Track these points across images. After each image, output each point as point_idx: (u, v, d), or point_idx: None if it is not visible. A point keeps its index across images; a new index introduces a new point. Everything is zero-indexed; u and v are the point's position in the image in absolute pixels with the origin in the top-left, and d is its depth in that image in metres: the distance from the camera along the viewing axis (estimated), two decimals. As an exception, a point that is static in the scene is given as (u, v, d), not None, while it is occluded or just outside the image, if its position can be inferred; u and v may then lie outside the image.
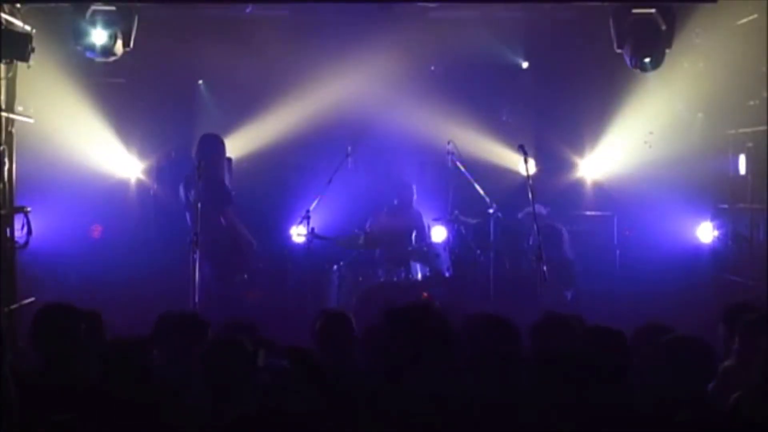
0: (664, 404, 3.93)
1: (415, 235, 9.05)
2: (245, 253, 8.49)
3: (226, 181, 8.53)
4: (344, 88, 9.69)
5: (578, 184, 10.28)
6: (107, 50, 8.07)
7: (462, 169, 8.91)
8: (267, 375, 4.17)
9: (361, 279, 8.69)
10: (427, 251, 8.79)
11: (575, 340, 4.52)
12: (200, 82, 10.23)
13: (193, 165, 8.11)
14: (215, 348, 4.08)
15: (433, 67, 10.27)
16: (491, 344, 4.38)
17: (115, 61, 8.31)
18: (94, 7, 8.00)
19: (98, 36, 8.01)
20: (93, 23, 7.98)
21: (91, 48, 8.05)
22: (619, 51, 8.43)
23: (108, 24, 7.99)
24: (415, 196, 9.49)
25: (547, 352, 4.32)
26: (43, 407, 3.94)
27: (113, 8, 8.03)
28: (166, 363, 4.52)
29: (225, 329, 4.94)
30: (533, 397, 3.80)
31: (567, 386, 3.74)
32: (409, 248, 8.82)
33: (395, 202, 9.46)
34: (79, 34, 8.03)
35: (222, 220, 8.18)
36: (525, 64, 10.31)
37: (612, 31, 8.36)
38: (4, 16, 7.56)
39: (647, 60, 8.21)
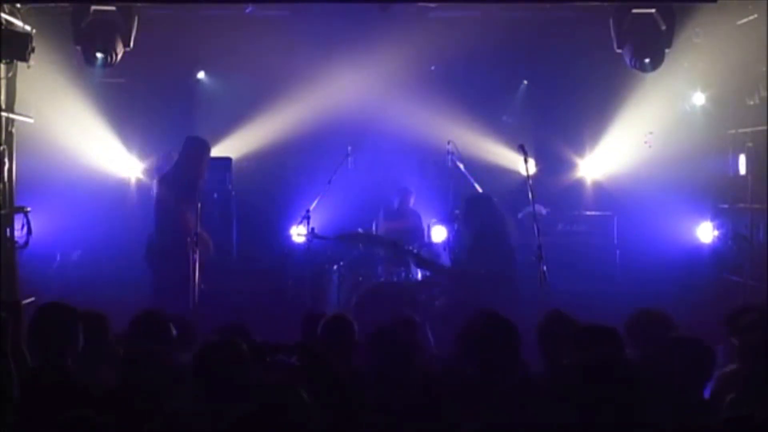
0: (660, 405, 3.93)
1: (414, 236, 9.04)
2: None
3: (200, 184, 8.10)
4: (344, 88, 9.70)
5: (578, 184, 10.28)
6: (107, 66, 8.28)
7: (462, 169, 8.90)
8: (272, 374, 4.17)
9: (361, 279, 8.68)
10: (427, 251, 8.78)
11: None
12: (200, 75, 10.19)
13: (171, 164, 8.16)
14: (208, 349, 4.06)
15: (433, 67, 10.27)
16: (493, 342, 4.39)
17: (114, 61, 8.36)
18: (94, 7, 8.01)
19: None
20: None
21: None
22: (619, 51, 8.45)
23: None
24: (413, 197, 9.46)
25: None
26: (43, 407, 3.95)
27: (113, 8, 8.04)
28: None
29: (219, 332, 4.93)
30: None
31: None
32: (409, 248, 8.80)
33: (395, 204, 9.45)
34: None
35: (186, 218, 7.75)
36: (524, 82, 10.33)
37: (612, 31, 8.37)
38: (4, 16, 7.57)
39: (647, 60, 8.24)
